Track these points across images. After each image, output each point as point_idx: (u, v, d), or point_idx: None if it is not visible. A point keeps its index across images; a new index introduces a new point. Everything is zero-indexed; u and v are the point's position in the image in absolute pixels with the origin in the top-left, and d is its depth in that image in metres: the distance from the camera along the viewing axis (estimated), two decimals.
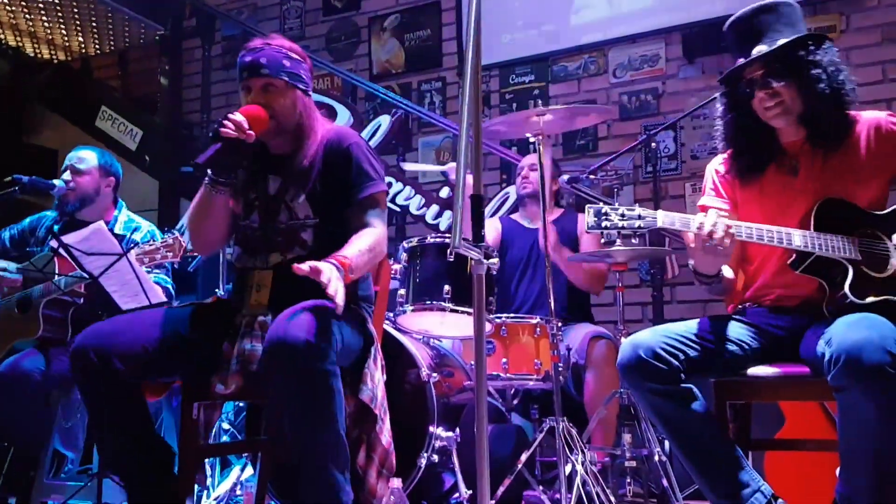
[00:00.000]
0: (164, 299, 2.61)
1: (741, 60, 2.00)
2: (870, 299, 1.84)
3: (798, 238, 1.88)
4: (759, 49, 1.95)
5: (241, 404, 3.09)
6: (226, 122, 1.92)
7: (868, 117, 2.00)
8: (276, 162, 2.13)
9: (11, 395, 2.65)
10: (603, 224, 1.87)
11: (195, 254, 3.08)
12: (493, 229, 3.39)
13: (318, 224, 2.06)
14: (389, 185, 4.04)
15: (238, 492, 2.84)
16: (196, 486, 2.19)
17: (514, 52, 4.59)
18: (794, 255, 1.92)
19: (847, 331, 1.68)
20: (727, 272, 2.06)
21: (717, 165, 2.15)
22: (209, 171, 2.02)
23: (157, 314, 2.01)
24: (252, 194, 2.13)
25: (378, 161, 2.14)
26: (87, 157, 3.03)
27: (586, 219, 1.88)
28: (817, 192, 1.96)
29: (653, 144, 3.34)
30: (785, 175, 2.02)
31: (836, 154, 1.97)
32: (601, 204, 1.90)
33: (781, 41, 1.93)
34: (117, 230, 3.01)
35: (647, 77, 4.25)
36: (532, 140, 2.71)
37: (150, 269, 2.92)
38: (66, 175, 2.98)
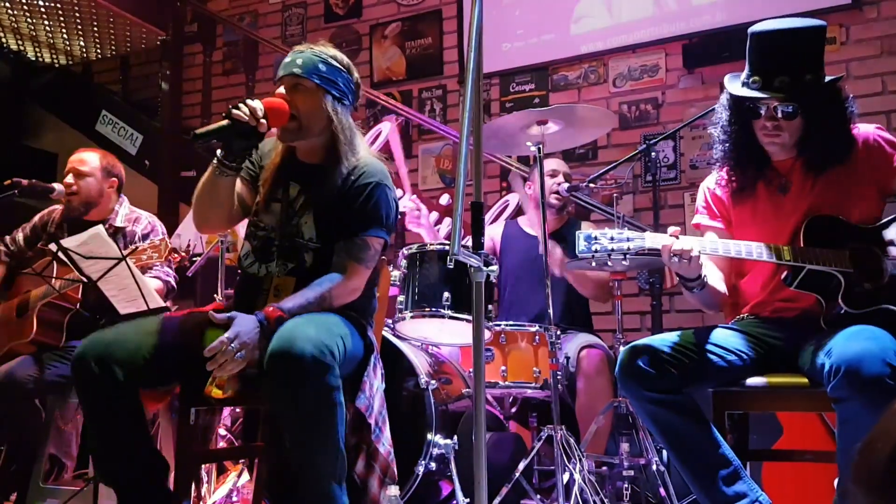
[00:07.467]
0: (164, 304, 2.60)
1: (744, 75, 1.97)
2: (864, 309, 1.84)
3: (787, 253, 1.88)
4: (782, 80, 1.91)
5: (237, 410, 3.08)
6: (241, 104, 1.92)
7: (859, 132, 2.00)
8: (301, 170, 2.11)
9: (4, 404, 2.65)
10: (593, 248, 1.88)
11: (194, 252, 3.09)
12: (494, 233, 3.38)
13: (320, 248, 2.06)
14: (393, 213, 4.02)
15: (234, 498, 2.83)
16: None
17: (515, 61, 4.59)
18: (787, 271, 1.92)
19: (847, 342, 1.69)
20: (719, 286, 2.06)
21: (710, 184, 2.16)
22: (217, 153, 1.99)
23: (156, 321, 2.01)
24: (275, 196, 2.11)
25: (395, 212, 2.12)
26: (88, 159, 3.03)
27: (577, 244, 1.89)
28: (809, 209, 1.96)
29: (652, 154, 3.35)
30: (776, 194, 2.02)
31: (827, 171, 1.97)
32: (591, 229, 1.92)
33: (806, 76, 1.90)
34: (118, 223, 3.01)
35: (647, 87, 4.26)
36: (533, 149, 2.71)
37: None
38: (69, 178, 2.98)
